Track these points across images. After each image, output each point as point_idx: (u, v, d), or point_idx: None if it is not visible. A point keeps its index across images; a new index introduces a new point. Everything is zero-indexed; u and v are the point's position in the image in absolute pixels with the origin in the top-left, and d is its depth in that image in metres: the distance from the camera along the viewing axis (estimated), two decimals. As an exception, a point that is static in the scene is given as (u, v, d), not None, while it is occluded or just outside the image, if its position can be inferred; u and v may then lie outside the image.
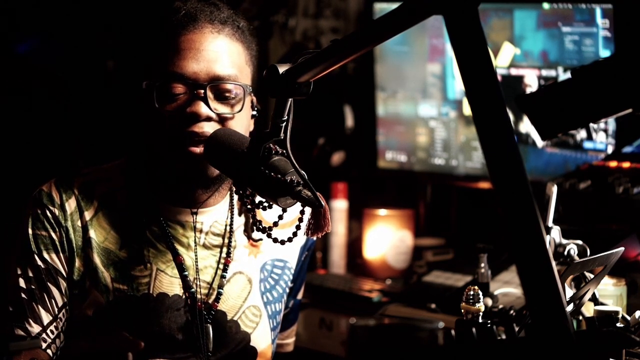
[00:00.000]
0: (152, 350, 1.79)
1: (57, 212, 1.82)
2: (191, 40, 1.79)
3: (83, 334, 1.81)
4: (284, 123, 1.61)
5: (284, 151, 1.63)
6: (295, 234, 1.74)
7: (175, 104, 1.78)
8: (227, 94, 1.80)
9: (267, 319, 1.93)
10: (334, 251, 3.24)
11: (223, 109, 1.79)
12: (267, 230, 1.73)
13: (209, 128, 1.76)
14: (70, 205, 1.83)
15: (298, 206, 1.66)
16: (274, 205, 1.68)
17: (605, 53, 2.68)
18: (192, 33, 1.80)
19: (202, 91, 1.77)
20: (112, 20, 3.68)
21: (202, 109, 1.76)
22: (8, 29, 3.59)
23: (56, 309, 1.80)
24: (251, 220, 1.87)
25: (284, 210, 1.69)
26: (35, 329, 1.78)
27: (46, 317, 1.79)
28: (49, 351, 1.79)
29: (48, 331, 1.79)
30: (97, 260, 1.82)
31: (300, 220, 1.73)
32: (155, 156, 1.84)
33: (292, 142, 1.62)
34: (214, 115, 1.78)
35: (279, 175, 1.60)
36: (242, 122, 1.82)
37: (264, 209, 1.73)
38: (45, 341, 1.79)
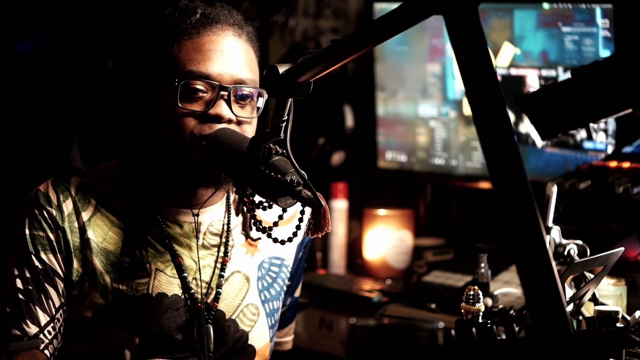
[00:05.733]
0: (151, 351, 1.78)
1: (54, 212, 1.82)
2: (215, 41, 1.79)
3: (81, 335, 1.80)
4: (284, 123, 1.61)
5: (284, 151, 1.63)
6: (295, 234, 1.74)
7: (197, 104, 1.77)
8: (246, 98, 1.80)
9: (265, 317, 1.93)
10: (334, 251, 3.24)
11: (242, 113, 1.79)
12: (267, 231, 1.73)
13: None
14: (68, 206, 1.83)
15: (296, 205, 1.66)
16: (274, 205, 1.68)
17: (605, 53, 2.68)
18: (215, 34, 1.80)
19: (226, 93, 1.77)
20: (112, 20, 3.67)
21: (225, 110, 1.77)
22: (8, 29, 3.59)
23: (53, 310, 1.80)
24: (251, 220, 1.87)
25: (284, 210, 1.69)
26: (33, 329, 1.78)
27: (43, 318, 1.79)
28: (46, 352, 1.79)
29: (45, 332, 1.79)
30: (95, 261, 1.81)
31: (300, 220, 1.73)
32: (160, 155, 1.83)
33: (292, 142, 1.62)
34: (234, 118, 1.78)
35: (279, 175, 1.60)
36: (255, 127, 1.83)
37: (264, 209, 1.73)
38: (42, 342, 1.78)
